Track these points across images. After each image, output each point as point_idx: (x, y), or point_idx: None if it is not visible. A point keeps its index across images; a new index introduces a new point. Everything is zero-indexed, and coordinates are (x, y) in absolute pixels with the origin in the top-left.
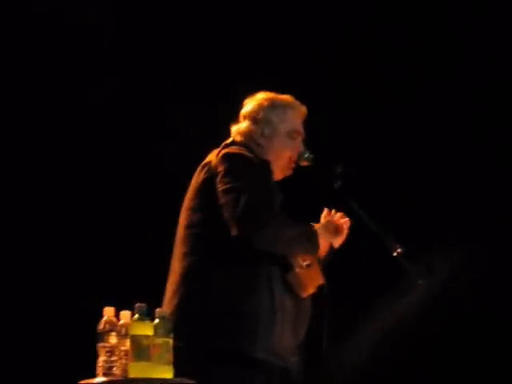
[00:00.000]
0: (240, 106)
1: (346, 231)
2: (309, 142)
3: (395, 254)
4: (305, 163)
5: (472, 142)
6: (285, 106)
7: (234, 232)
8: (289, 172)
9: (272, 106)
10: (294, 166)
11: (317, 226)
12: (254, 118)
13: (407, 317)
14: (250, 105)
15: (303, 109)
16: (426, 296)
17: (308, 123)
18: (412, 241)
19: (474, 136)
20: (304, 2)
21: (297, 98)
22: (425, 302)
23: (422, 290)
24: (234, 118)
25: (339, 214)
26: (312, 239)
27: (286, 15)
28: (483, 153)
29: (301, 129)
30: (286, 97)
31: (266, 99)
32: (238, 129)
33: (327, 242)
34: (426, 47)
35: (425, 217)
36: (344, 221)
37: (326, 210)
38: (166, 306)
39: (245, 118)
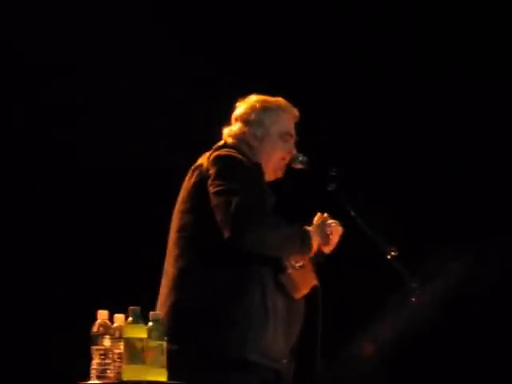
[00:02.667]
0: (231, 108)
1: (337, 239)
2: (303, 145)
3: (389, 256)
4: (299, 166)
5: (469, 143)
6: (277, 108)
7: (226, 234)
8: (280, 174)
9: (264, 108)
10: (286, 167)
11: (309, 228)
12: (246, 119)
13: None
14: (242, 107)
15: (295, 112)
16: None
17: (302, 125)
18: (405, 244)
19: (471, 136)
20: (295, 4)
21: (290, 100)
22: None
23: (419, 297)
24: (226, 121)
25: (334, 222)
26: (305, 240)
27: (277, 14)
28: (482, 153)
29: (293, 131)
30: (279, 99)
31: (259, 101)
32: (229, 131)
33: (317, 243)
34: (424, 47)
35: (421, 220)
36: (337, 229)
37: (318, 214)
38: (160, 310)
39: (237, 120)
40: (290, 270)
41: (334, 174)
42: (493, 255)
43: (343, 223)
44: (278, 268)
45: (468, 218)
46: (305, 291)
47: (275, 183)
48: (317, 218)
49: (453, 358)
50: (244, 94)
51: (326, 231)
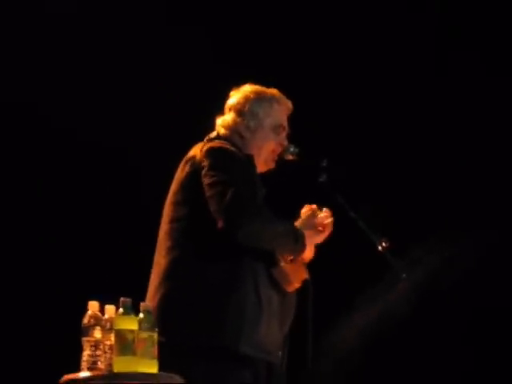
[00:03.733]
0: (225, 97)
1: (328, 230)
2: (294, 136)
3: (380, 247)
4: (290, 157)
5: (458, 133)
6: (271, 99)
7: (220, 225)
8: (272, 165)
9: (258, 98)
10: (277, 159)
11: (297, 222)
12: (239, 110)
13: (394, 311)
14: (236, 97)
15: (289, 104)
16: (412, 291)
17: (293, 116)
18: (398, 235)
19: (460, 126)
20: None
21: (281, 91)
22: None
23: (406, 285)
24: (219, 111)
25: (324, 214)
26: (298, 239)
27: (274, 9)
28: (471, 146)
29: (286, 124)
30: (273, 90)
31: (253, 92)
32: (222, 121)
33: (312, 243)
34: (418, 42)
35: (412, 210)
36: (327, 220)
37: (306, 206)
38: (150, 301)
39: (230, 109)
40: (282, 264)
41: (324, 165)
42: (472, 245)
43: (334, 214)
44: (271, 261)
45: (451, 210)
46: (297, 284)
47: (266, 174)
48: (305, 210)
49: (432, 343)
50: (236, 83)
51: (316, 224)
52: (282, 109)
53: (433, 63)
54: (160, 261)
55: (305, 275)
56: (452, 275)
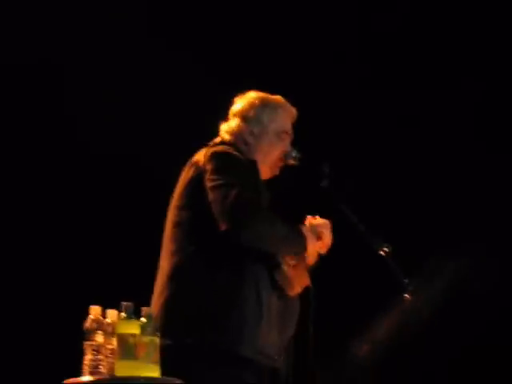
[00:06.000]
0: (229, 104)
1: (329, 239)
2: (296, 141)
3: (382, 253)
4: (291, 162)
5: (465, 137)
6: (276, 106)
7: (223, 227)
8: (276, 171)
9: (263, 105)
10: (281, 165)
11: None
12: (244, 116)
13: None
14: (240, 103)
15: (293, 110)
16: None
17: (296, 121)
18: (402, 244)
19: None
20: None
21: (285, 97)
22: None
23: (411, 293)
24: (223, 116)
25: (324, 223)
26: (301, 242)
27: (274, 12)
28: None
29: (290, 130)
30: (277, 97)
31: (258, 98)
32: (227, 127)
33: (315, 247)
34: (423, 45)
35: (418, 221)
36: (326, 227)
37: (308, 217)
38: (154, 305)
39: (235, 115)
40: (284, 267)
41: (326, 170)
42: (490, 256)
43: (336, 219)
44: (273, 264)
45: (465, 219)
46: (299, 289)
47: (269, 179)
48: (307, 221)
49: (447, 358)
50: (241, 90)
51: (318, 231)
52: (286, 115)
53: (437, 75)
54: (163, 265)
55: (307, 281)
56: (471, 287)
